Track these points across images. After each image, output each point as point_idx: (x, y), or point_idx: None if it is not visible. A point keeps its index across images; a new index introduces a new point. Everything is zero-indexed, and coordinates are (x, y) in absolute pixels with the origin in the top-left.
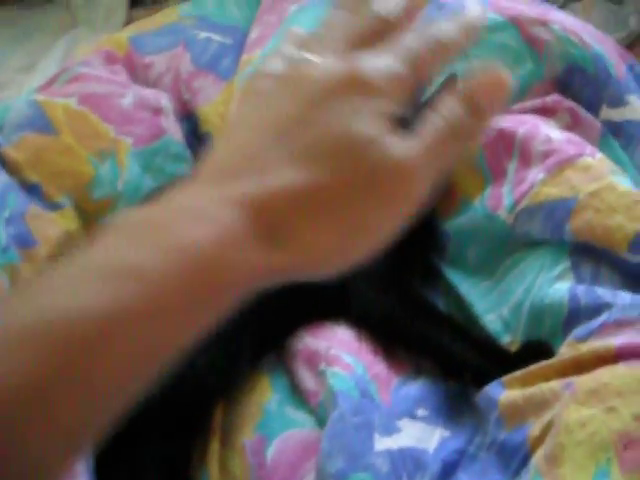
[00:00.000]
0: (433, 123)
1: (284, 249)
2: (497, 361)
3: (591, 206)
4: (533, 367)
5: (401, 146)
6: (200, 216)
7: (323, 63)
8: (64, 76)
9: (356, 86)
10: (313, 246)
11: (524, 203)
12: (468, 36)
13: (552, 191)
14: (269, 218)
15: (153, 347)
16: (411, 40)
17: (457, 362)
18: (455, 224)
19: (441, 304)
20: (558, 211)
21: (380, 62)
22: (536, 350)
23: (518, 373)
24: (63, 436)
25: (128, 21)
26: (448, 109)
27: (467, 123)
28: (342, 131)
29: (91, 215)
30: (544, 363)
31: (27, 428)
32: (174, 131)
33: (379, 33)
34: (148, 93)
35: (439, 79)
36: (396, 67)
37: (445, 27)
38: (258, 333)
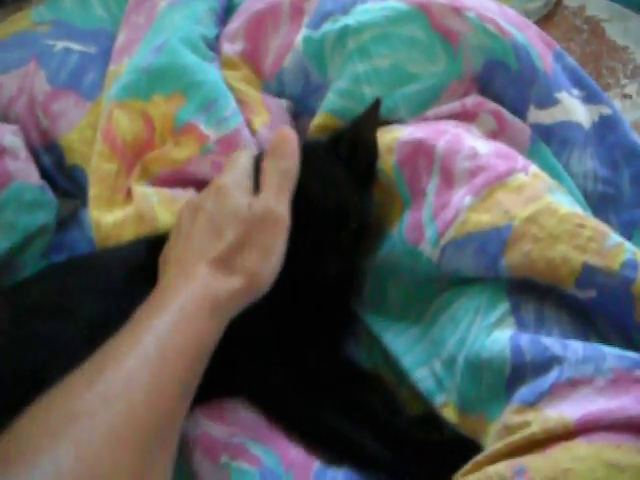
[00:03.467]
0: (268, 172)
1: (236, 274)
2: (415, 456)
3: (529, 235)
4: (480, 457)
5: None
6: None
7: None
8: None
9: None
10: (248, 265)
11: (450, 235)
12: None
13: (482, 218)
14: (224, 261)
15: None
16: None
17: (367, 458)
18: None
19: (364, 358)
20: (491, 243)
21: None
22: (462, 446)
23: (468, 465)
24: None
25: None
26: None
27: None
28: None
29: None
30: (493, 448)
31: None
32: (26, 173)
33: None
34: None
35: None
36: None
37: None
38: None
